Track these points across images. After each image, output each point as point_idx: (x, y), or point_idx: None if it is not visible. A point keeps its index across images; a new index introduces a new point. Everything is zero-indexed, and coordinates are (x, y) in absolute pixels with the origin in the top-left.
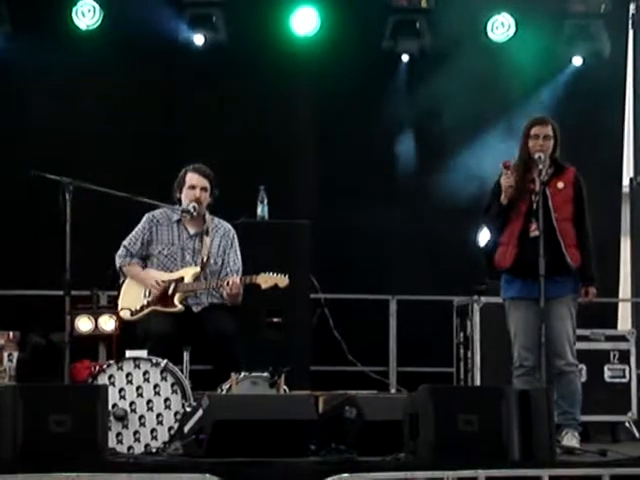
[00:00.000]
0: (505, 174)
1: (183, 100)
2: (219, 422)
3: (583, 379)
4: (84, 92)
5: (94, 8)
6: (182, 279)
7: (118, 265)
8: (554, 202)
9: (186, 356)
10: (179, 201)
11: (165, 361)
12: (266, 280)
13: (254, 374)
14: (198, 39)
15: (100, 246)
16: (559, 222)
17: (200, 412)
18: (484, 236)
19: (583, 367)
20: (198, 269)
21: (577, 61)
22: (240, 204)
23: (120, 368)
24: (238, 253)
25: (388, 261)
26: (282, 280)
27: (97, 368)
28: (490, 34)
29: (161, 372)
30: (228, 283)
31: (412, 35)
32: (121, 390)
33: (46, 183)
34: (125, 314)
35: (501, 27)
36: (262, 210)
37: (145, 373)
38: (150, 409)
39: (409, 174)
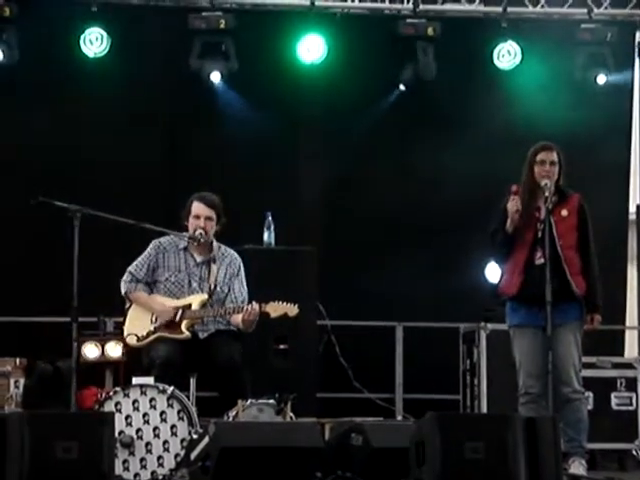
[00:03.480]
0: (512, 199)
1: (190, 127)
2: (225, 449)
3: (590, 407)
4: (92, 119)
5: (102, 36)
6: (190, 306)
7: (124, 291)
8: (558, 230)
9: (192, 383)
10: (186, 228)
11: (172, 388)
12: (276, 309)
13: (260, 401)
14: (213, 74)
15: (107, 273)
16: (564, 250)
17: (206, 439)
18: (491, 267)
19: (590, 395)
20: (206, 296)
21: (601, 80)
22: (247, 231)
23: (127, 395)
24: (244, 282)
25: (395, 287)
26: (292, 309)
27: (104, 395)
28: (496, 62)
29: (168, 399)
30: (247, 310)
31: (415, 62)
32: (128, 417)
33: (53, 210)
34: (131, 340)
35: (507, 55)
36: (269, 237)
37: (152, 400)
38: (157, 436)
39: (415, 201)
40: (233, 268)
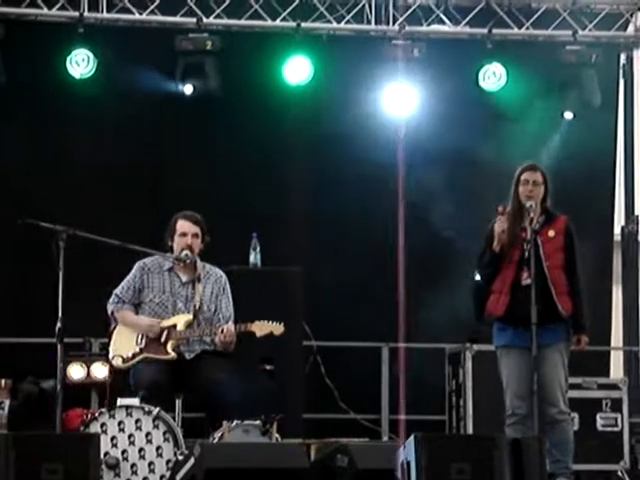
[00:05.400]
0: (499, 219)
1: (175, 148)
2: (211, 470)
3: (575, 427)
4: (77, 140)
5: (88, 57)
6: (175, 326)
7: (110, 311)
8: (545, 250)
9: (178, 404)
10: (171, 248)
11: (157, 409)
12: (261, 328)
13: (246, 422)
14: (188, 88)
15: (93, 293)
16: (550, 270)
17: (192, 460)
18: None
19: (575, 415)
20: (191, 316)
21: (568, 115)
22: (232, 251)
23: (112, 416)
24: (230, 299)
25: (380, 308)
26: (277, 328)
27: (89, 416)
28: (482, 83)
29: (153, 420)
30: (222, 330)
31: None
32: (113, 438)
33: (39, 231)
34: (117, 362)
35: (492, 76)
36: (255, 257)
37: (137, 421)
38: (142, 457)
39: (402, 221)
40: (219, 286)
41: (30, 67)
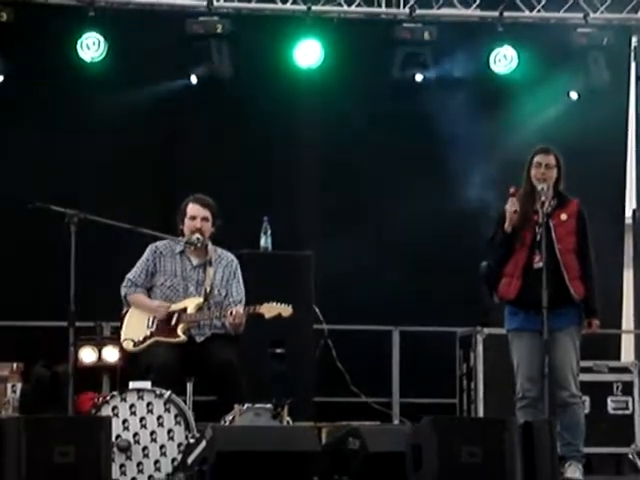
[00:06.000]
0: (510, 201)
1: (187, 131)
2: (222, 453)
3: (586, 411)
4: (88, 123)
5: (99, 41)
6: (185, 310)
7: (123, 294)
8: (557, 234)
9: (189, 387)
10: (182, 232)
11: (168, 392)
12: (270, 310)
13: (257, 405)
14: (198, 72)
15: (104, 277)
16: (562, 254)
17: (203, 443)
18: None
19: (586, 399)
20: (201, 300)
21: (574, 95)
22: (244, 235)
23: (124, 399)
24: (241, 283)
25: (391, 292)
26: (286, 310)
27: (101, 399)
28: (493, 66)
29: (164, 403)
30: (232, 313)
31: (418, 67)
32: (124, 421)
33: (50, 215)
34: (128, 345)
35: (503, 59)
36: (266, 241)
37: (149, 404)
38: (154, 440)
39: (413, 205)
40: (230, 270)
41: (41, 51)
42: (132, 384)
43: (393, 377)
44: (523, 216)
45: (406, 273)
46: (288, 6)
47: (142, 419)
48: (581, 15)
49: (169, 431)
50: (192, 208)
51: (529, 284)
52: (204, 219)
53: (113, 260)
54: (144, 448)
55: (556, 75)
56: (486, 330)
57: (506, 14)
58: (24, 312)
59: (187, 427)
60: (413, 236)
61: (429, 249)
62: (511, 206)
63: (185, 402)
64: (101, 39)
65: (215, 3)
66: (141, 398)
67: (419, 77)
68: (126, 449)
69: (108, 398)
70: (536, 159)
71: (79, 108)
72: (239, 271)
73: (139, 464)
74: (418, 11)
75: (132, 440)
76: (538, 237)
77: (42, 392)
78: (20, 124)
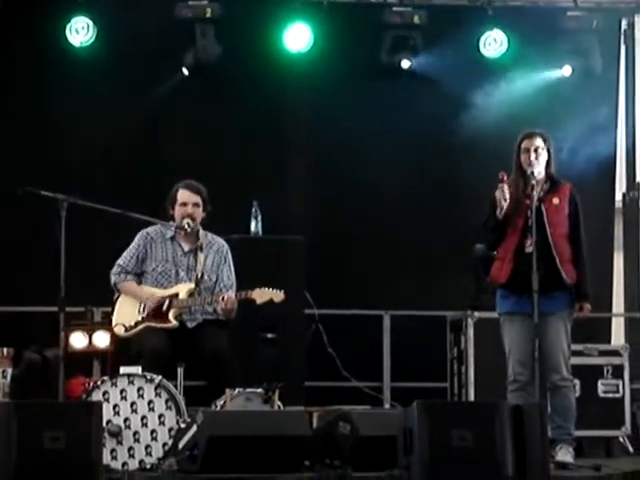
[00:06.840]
0: (500, 187)
1: (175, 116)
2: (213, 438)
3: (577, 394)
4: (76, 108)
5: (88, 25)
6: (177, 295)
7: (113, 282)
8: (549, 218)
9: (180, 372)
10: (172, 218)
11: (159, 377)
12: (261, 295)
13: (248, 390)
14: (188, 56)
15: (94, 262)
16: (554, 238)
17: (194, 428)
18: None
19: (577, 382)
20: (193, 285)
21: (567, 71)
22: (233, 220)
23: (114, 384)
24: (232, 269)
25: (382, 276)
26: (277, 295)
27: (91, 384)
28: (483, 50)
29: (155, 388)
30: (223, 298)
31: (407, 51)
32: (115, 406)
33: (40, 199)
34: (119, 330)
35: (493, 43)
36: (256, 226)
37: (139, 389)
38: (144, 425)
39: (402, 190)
40: (220, 255)
41: (29, 35)
42: (123, 369)
43: (384, 361)
44: (515, 202)
45: (397, 257)
46: None
47: (133, 404)
48: None
49: (160, 416)
50: (183, 194)
51: (520, 268)
52: (195, 205)
53: (103, 245)
54: (135, 433)
55: (546, 58)
56: (477, 314)
57: None
58: (14, 297)
59: (178, 412)
60: (403, 219)
61: (420, 233)
62: (501, 193)
63: (176, 387)
64: (90, 23)
65: None
66: (132, 383)
67: (405, 64)
68: (117, 434)
69: (99, 383)
70: (523, 145)
71: (68, 93)
72: (230, 256)
73: (130, 449)
74: None
75: (123, 425)
76: (530, 222)
77: (33, 377)
78: (8, 109)
